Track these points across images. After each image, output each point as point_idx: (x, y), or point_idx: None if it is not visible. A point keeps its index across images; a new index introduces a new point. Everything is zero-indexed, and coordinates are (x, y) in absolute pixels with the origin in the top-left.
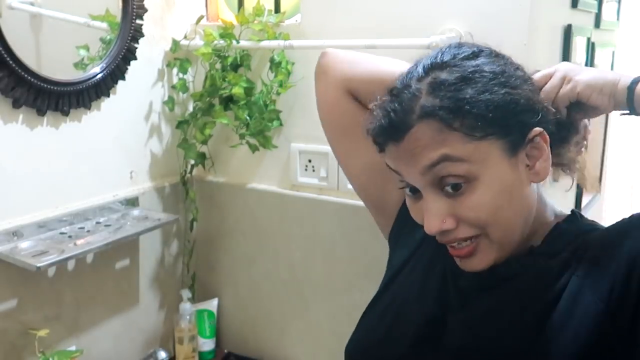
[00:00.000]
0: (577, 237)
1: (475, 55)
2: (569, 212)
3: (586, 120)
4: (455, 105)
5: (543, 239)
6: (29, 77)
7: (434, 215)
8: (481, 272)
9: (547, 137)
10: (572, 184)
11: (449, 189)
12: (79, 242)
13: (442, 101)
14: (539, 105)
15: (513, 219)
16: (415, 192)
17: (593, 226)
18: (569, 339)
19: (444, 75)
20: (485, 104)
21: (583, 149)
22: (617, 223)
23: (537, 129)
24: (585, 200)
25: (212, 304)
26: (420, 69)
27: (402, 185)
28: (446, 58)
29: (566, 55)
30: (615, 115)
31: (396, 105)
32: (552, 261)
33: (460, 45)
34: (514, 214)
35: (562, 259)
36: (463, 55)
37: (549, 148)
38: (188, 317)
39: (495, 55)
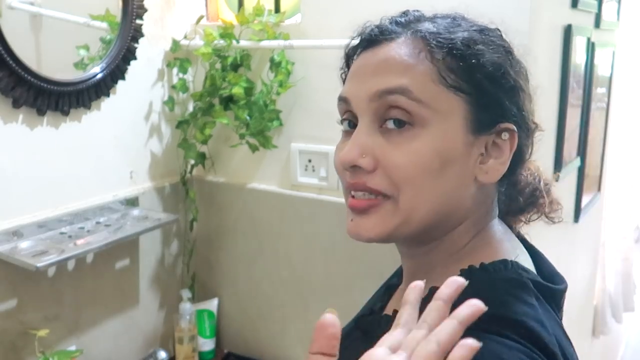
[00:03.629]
0: None
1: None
2: (500, 260)
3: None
4: (445, 38)
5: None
6: (29, 77)
7: (357, 145)
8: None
9: (516, 141)
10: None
11: (390, 123)
12: (79, 242)
13: (438, 29)
14: (526, 113)
15: (431, 196)
16: (353, 127)
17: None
18: None
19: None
20: (470, 55)
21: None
22: None
23: (512, 125)
24: (585, 200)
25: (212, 304)
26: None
27: (343, 118)
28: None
29: (566, 55)
30: (615, 115)
31: (390, 20)
32: None
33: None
34: (435, 190)
35: None
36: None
37: (512, 156)
38: (188, 317)
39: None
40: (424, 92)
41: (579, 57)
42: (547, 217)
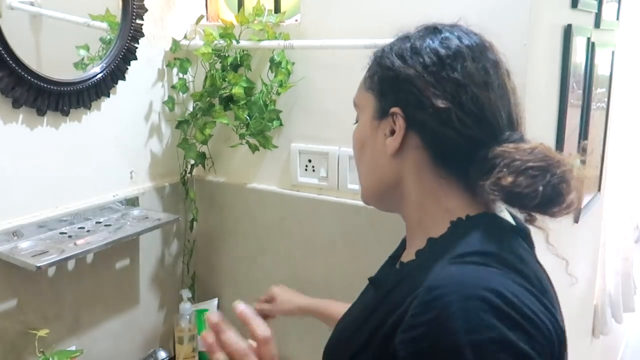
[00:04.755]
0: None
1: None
2: (482, 212)
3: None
4: (372, 59)
5: (442, 234)
6: (29, 77)
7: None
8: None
9: (403, 121)
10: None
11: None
12: (79, 242)
13: (377, 52)
14: (428, 101)
15: (362, 170)
16: None
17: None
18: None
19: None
20: (375, 64)
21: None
22: (437, 289)
23: (396, 109)
24: (585, 200)
25: (212, 304)
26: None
27: None
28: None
29: (566, 55)
30: (615, 115)
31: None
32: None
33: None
34: (363, 166)
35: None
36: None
37: (404, 132)
38: (188, 317)
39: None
40: (357, 96)
41: (578, 57)
42: (496, 181)
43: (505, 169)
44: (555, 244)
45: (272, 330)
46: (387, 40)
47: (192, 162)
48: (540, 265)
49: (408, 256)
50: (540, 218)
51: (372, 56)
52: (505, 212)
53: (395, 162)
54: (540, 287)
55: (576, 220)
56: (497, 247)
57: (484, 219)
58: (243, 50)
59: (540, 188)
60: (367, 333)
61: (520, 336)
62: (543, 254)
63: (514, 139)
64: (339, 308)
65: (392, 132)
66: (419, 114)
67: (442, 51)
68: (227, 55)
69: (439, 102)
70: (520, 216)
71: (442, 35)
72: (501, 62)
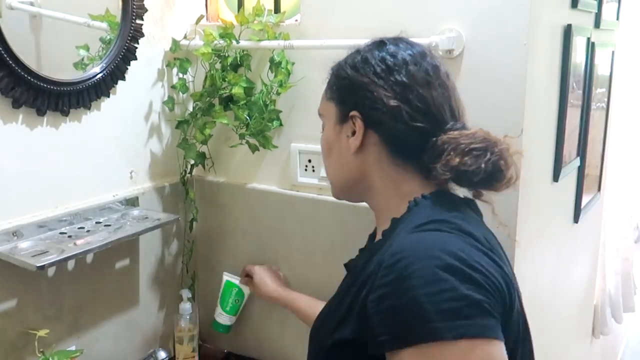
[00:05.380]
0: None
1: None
2: (410, 203)
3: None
4: (330, 73)
5: (401, 216)
6: (29, 77)
7: None
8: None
9: (361, 122)
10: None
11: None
12: (79, 242)
13: (334, 68)
14: (380, 102)
15: (330, 169)
16: None
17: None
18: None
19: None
20: (333, 76)
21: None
22: (401, 254)
23: (355, 112)
24: (585, 200)
25: (245, 288)
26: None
27: None
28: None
29: (566, 55)
30: (615, 115)
31: None
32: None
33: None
34: (331, 165)
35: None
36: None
37: (363, 131)
38: (188, 317)
39: (389, 52)
40: (321, 107)
41: (578, 57)
42: (446, 163)
43: (452, 152)
44: (498, 214)
45: (272, 331)
46: None
47: (192, 162)
48: (489, 230)
49: (377, 238)
50: (485, 193)
51: (330, 70)
52: (456, 192)
53: (358, 158)
54: (488, 245)
55: (576, 220)
56: (448, 214)
57: (435, 195)
58: (243, 50)
59: (483, 165)
60: (344, 309)
61: (470, 287)
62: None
63: (457, 127)
64: (319, 307)
65: (353, 133)
66: (374, 113)
67: (389, 59)
68: (227, 55)
69: (390, 101)
70: (469, 194)
71: (387, 47)
72: (441, 64)
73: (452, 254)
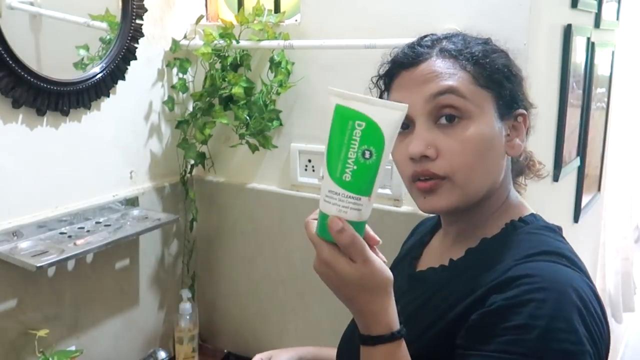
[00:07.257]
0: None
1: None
2: (529, 214)
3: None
4: (468, 52)
5: (495, 235)
6: (29, 77)
7: (422, 139)
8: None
9: (528, 122)
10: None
11: (443, 120)
12: (78, 242)
13: (457, 46)
14: (526, 97)
15: (481, 173)
16: (406, 127)
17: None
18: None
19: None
20: (490, 63)
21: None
22: (531, 288)
23: (522, 111)
24: (585, 200)
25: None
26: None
27: None
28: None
29: (566, 55)
30: (615, 115)
31: (415, 45)
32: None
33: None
34: (484, 168)
35: (488, 280)
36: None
37: (526, 132)
38: (188, 317)
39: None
40: (466, 91)
41: (578, 57)
42: (537, 175)
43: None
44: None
45: (272, 331)
46: (387, 40)
47: (192, 162)
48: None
49: (454, 253)
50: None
51: (468, 55)
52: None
53: (504, 162)
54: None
55: (576, 220)
56: (562, 247)
57: (534, 219)
58: (243, 50)
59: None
60: (422, 326)
61: (586, 334)
62: None
63: None
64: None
65: (509, 133)
66: (527, 112)
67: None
68: (226, 55)
69: (528, 100)
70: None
71: (491, 41)
72: None
73: (579, 296)
